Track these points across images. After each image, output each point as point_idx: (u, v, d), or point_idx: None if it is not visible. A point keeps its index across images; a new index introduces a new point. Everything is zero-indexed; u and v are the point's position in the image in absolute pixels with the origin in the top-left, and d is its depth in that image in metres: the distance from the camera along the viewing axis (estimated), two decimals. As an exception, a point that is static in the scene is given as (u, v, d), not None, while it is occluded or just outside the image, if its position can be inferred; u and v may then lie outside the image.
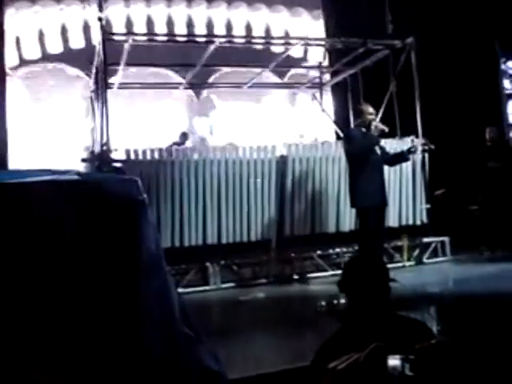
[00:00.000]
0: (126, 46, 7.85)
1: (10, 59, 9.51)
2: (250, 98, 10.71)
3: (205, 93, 10.63)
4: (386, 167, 7.29)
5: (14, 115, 9.26)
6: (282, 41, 10.02)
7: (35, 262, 1.54)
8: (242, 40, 9.73)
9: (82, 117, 9.27)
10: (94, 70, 8.52)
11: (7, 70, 9.51)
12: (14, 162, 8.60)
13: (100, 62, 7.72)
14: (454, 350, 1.10)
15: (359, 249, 6.95)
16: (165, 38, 9.35)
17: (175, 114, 10.39)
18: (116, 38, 7.96)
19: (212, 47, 8.06)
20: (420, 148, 8.15)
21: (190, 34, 10.11)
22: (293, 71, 10.97)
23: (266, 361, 4.27)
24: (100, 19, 7.46)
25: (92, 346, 1.67)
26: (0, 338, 1.48)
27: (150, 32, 9.95)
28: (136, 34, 8.87)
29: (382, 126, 6.78)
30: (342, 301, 2.44)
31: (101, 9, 7.50)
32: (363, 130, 6.74)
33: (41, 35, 9.79)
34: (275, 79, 10.92)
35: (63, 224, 1.59)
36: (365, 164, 6.67)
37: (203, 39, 9.08)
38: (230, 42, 8.91)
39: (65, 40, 9.92)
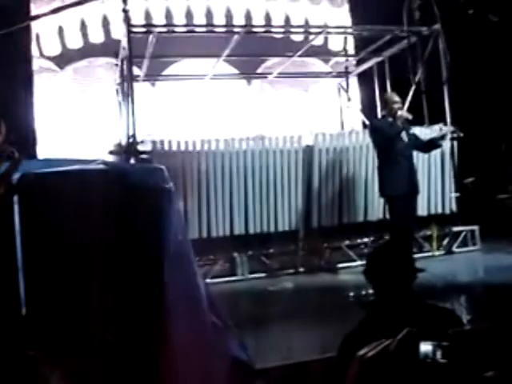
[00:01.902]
0: (151, 38, 7.86)
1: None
2: (298, 87, 10.67)
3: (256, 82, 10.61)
4: (416, 155, 7.25)
5: (53, 108, 9.38)
6: (309, 29, 9.93)
7: (68, 248, 1.56)
8: (263, 29, 9.66)
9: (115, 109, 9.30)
10: (118, 63, 8.55)
11: (52, 65, 9.67)
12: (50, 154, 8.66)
13: (125, 54, 7.74)
14: (489, 336, 1.07)
15: (390, 237, 6.90)
16: (187, 29, 9.33)
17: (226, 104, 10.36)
18: (140, 30, 7.97)
19: (235, 38, 8.06)
20: (449, 135, 8.04)
21: (212, 24, 10.07)
22: (334, 60, 10.87)
23: (294, 351, 4.26)
24: (125, 11, 7.47)
25: (118, 327, 1.68)
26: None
27: (170, 24, 9.94)
28: (160, 26, 8.86)
29: (406, 115, 6.69)
30: (371, 291, 2.43)
31: (125, 1, 7.51)
32: (389, 119, 6.67)
33: (60, 31, 9.85)
34: (320, 67, 10.86)
35: (92, 212, 1.60)
36: (391, 153, 6.63)
37: (223, 29, 9.07)
38: (251, 31, 8.86)
39: (84, 34, 9.96)
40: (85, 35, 9.97)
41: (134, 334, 1.69)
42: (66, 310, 1.64)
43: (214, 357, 1.98)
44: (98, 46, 9.95)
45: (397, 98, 6.84)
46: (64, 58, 9.91)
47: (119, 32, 8.31)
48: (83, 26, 9.94)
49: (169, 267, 1.76)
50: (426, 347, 1.06)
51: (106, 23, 9.95)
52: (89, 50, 9.95)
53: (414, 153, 7.71)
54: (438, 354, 1.06)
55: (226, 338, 2.08)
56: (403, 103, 8.57)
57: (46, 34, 9.80)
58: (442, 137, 6.99)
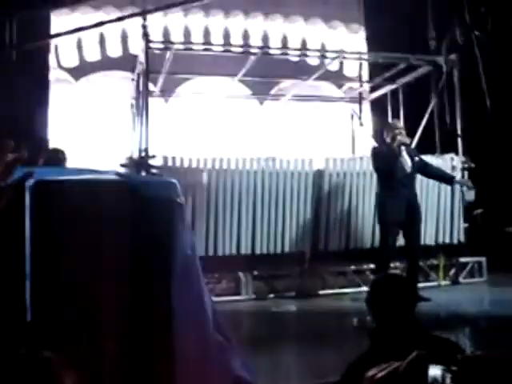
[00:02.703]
0: (168, 54, 7.93)
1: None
2: (311, 110, 10.71)
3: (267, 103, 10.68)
4: (427, 183, 7.31)
5: (68, 119, 9.45)
6: (325, 53, 10.00)
7: (78, 257, 1.56)
8: (279, 52, 9.74)
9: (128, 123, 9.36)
10: (135, 78, 8.62)
11: (68, 77, 9.77)
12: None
13: (142, 69, 7.81)
14: (499, 364, 1.06)
15: (376, 266, 6.86)
16: (204, 48, 9.42)
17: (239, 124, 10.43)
18: (158, 46, 8.05)
19: (251, 58, 8.14)
20: (460, 165, 8.05)
21: (228, 43, 10.16)
22: (348, 85, 10.92)
23: (295, 374, 4.23)
24: (144, 27, 7.56)
25: (122, 336, 1.68)
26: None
27: (188, 41, 10.04)
28: (178, 43, 8.95)
29: (403, 139, 6.67)
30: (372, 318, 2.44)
31: (144, 17, 7.60)
32: (390, 146, 6.72)
33: (79, 43, 9.95)
34: (333, 91, 10.92)
35: (104, 221, 1.61)
36: (389, 180, 6.65)
37: (240, 49, 9.15)
38: (267, 53, 8.93)
39: (102, 48, 10.06)
40: (103, 48, 10.06)
41: (140, 346, 1.69)
42: (72, 321, 1.64)
43: (217, 375, 1.97)
44: (115, 60, 10.04)
45: (398, 124, 6.89)
46: (81, 70, 10.00)
47: (137, 47, 8.39)
48: (102, 40, 10.04)
49: (177, 281, 1.76)
50: (434, 371, 1.05)
51: (124, 38, 10.05)
52: (106, 64, 10.04)
53: (425, 181, 7.75)
54: (447, 379, 1.05)
55: (230, 357, 2.07)
56: (416, 132, 8.63)
57: (64, 46, 9.90)
58: (458, 182, 7.02)
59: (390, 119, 9.91)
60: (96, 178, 1.74)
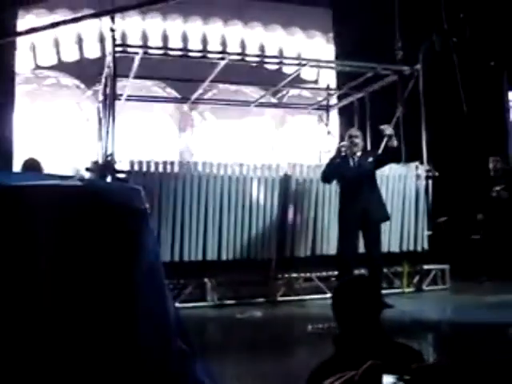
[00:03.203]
0: (137, 58, 7.88)
1: (25, 65, 9.59)
2: (277, 117, 10.76)
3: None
4: (392, 192, 7.36)
5: (26, 123, 9.32)
6: (294, 61, 10.06)
7: (32, 264, 1.53)
8: (255, 59, 9.76)
9: (93, 127, 9.27)
10: (103, 81, 8.55)
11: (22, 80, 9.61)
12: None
13: (109, 73, 7.75)
14: (450, 373, 1.08)
15: (338, 273, 6.90)
16: (175, 53, 9.38)
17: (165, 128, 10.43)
18: (127, 49, 7.99)
19: (222, 63, 8.15)
20: (424, 174, 8.16)
21: (203, 50, 10.15)
22: (316, 93, 11.01)
23: (258, 382, 4.23)
24: (112, 30, 7.50)
25: (86, 352, 1.65)
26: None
27: (165, 46, 10.01)
28: (147, 47, 8.91)
29: (353, 149, 6.77)
30: (331, 324, 2.43)
31: (113, 20, 7.54)
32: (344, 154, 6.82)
33: (56, 43, 9.85)
34: (301, 99, 10.99)
35: (63, 228, 1.59)
36: (344, 187, 6.86)
37: (216, 55, 9.14)
38: (243, 60, 8.94)
39: (80, 49, 9.98)
40: (80, 49, 10.00)
41: (101, 353, 1.67)
42: (27, 332, 1.61)
43: (181, 382, 1.95)
44: (93, 62, 9.96)
45: (353, 133, 7.01)
46: (58, 70, 9.91)
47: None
48: (79, 40, 9.97)
49: (140, 288, 1.74)
50: (388, 380, 1.06)
51: (102, 39, 9.99)
52: (84, 65, 9.96)
53: (390, 189, 7.86)
54: None
55: (193, 365, 2.05)
56: (381, 140, 8.72)
57: (42, 46, 9.81)
58: (389, 137, 6.85)
59: (356, 127, 10.03)
60: (56, 184, 1.72)
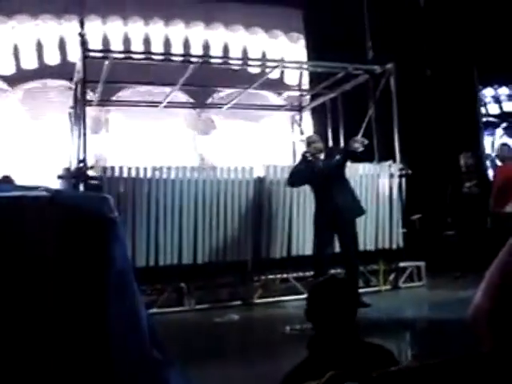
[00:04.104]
0: (106, 63, 7.82)
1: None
2: (251, 119, 10.73)
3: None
4: (366, 191, 7.45)
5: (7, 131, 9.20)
6: (261, 62, 10.07)
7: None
8: (220, 60, 9.72)
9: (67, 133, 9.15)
10: (73, 87, 8.46)
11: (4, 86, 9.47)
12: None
13: (79, 78, 7.68)
14: (414, 377, 1.08)
15: (314, 273, 6.93)
16: (144, 57, 9.31)
17: (178, 133, 10.37)
18: (96, 54, 7.91)
19: (191, 67, 8.12)
20: (397, 172, 8.21)
21: (169, 53, 10.09)
22: (288, 93, 10.99)
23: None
24: (81, 35, 7.43)
25: (57, 366, 1.62)
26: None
27: (127, 50, 9.90)
28: (116, 52, 8.84)
29: (312, 150, 6.89)
30: (309, 325, 2.40)
31: (82, 25, 7.48)
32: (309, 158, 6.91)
33: (15, 50, 9.68)
34: (273, 100, 10.97)
35: (28, 240, 1.56)
36: (314, 191, 6.97)
37: (181, 58, 9.11)
38: (208, 62, 8.90)
39: (40, 56, 9.82)
40: (40, 56, 9.83)
41: (75, 366, 1.64)
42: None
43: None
44: (53, 68, 9.81)
45: (313, 138, 7.18)
46: (18, 79, 9.74)
47: (75, 55, 8.24)
48: (39, 47, 9.81)
49: (110, 297, 1.72)
50: None
51: (62, 45, 9.84)
52: (44, 72, 9.80)
53: (363, 187, 7.92)
54: None
55: (168, 373, 2.03)
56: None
57: (0, 53, 9.62)
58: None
59: (329, 127, 10.08)
60: (20, 195, 1.68)
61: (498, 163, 8.91)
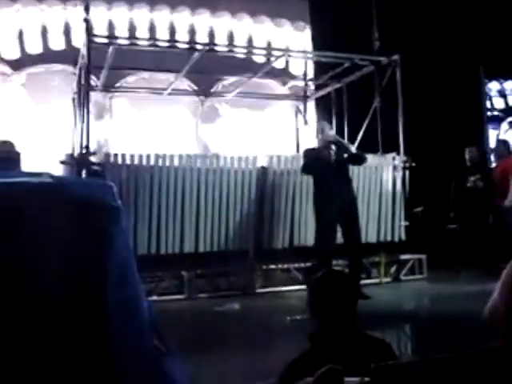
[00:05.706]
0: (111, 49, 7.78)
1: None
2: (255, 108, 10.67)
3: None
4: (369, 183, 7.57)
5: (12, 116, 9.15)
6: (266, 51, 10.02)
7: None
8: (225, 49, 9.67)
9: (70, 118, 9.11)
10: (77, 72, 8.43)
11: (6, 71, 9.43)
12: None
13: (83, 64, 7.64)
14: (412, 371, 1.07)
15: (317, 264, 6.92)
16: (148, 43, 9.26)
17: (182, 120, 10.32)
18: (101, 40, 7.88)
19: (196, 55, 8.08)
20: (401, 165, 8.19)
21: (174, 40, 10.03)
22: (293, 83, 10.93)
23: (235, 376, 4.21)
24: (86, 21, 7.39)
25: (57, 355, 1.62)
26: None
27: (132, 36, 9.85)
28: (121, 38, 8.80)
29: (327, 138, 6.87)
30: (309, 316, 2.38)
31: (87, 11, 7.43)
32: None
33: (20, 34, 9.64)
34: (278, 89, 10.91)
35: (31, 226, 1.54)
36: (320, 179, 6.82)
37: (186, 46, 9.06)
38: (213, 50, 8.86)
39: (45, 40, 9.77)
40: (45, 40, 9.78)
41: (74, 355, 1.63)
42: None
43: (155, 381, 1.92)
44: (57, 53, 9.77)
45: (325, 125, 7.16)
46: (22, 63, 9.69)
47: (80, 41, 8.19)
48: (44, 32, 9.76)
49: (111, 288, 1.70)
50: (350, 383, 1.05)
51: (67, 31, 9.79)
52: (48, 57, 9.75)
53: (366, 179, 7.90)
54: None
55: (167, 362, 2.02)
56: (359, 131, 8.77)
57: (5, 37, 9.57)
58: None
59: (334, 117, 10.04)
60: (24, 181, 1.67)
61: (492, 159, 8.95)
